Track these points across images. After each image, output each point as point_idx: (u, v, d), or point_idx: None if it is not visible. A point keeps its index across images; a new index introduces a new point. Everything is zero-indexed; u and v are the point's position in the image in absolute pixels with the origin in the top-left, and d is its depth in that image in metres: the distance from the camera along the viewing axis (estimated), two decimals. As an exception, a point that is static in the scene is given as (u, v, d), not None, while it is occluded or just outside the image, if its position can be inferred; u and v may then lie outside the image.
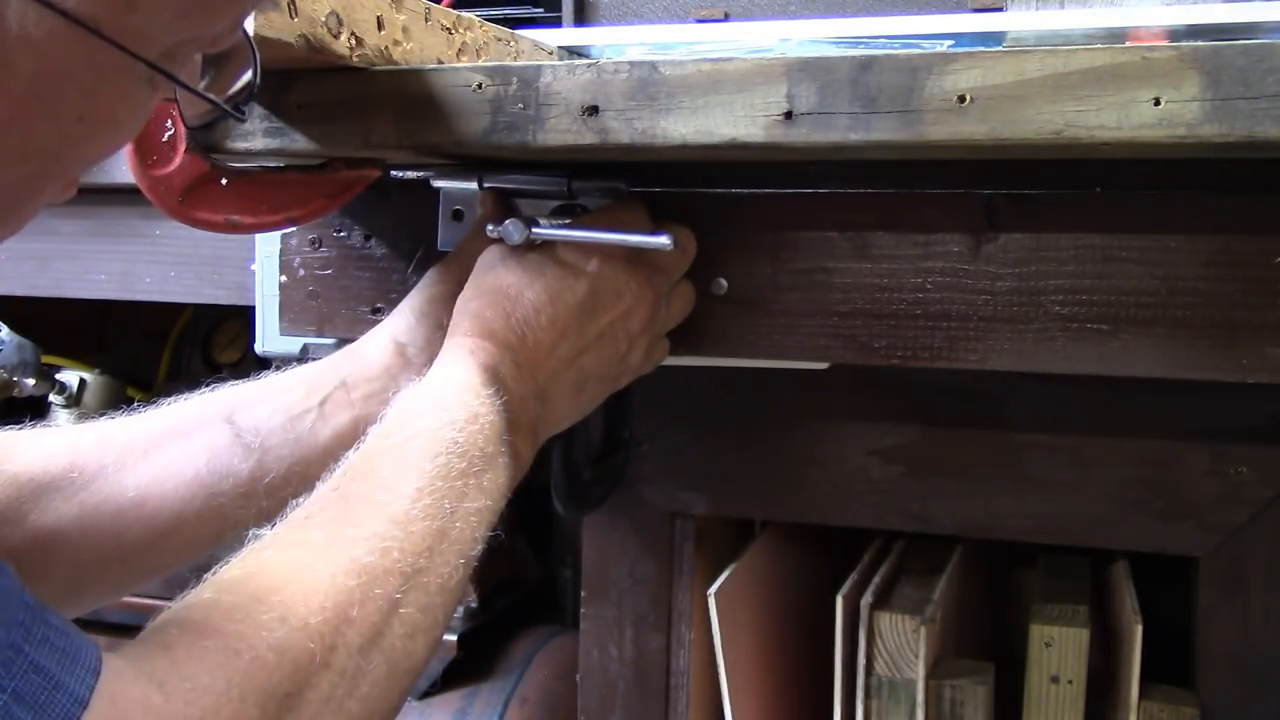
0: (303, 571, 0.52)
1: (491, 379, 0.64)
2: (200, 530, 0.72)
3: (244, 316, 1.06)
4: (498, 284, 0.69)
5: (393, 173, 0.79)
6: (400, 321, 0.77)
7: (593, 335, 0.69)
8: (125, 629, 1.27)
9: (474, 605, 1.22)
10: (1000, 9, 0.96)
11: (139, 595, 1.31)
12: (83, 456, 0.71)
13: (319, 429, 0.73)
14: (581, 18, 1.11)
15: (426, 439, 0.60)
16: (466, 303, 0.69)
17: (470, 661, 1.19)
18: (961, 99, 0.59)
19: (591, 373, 0.70)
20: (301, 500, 0.57)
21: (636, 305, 0.71)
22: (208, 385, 0.75)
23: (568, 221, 0.73)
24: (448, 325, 0.71)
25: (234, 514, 0.72)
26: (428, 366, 0.72)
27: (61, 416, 1.30)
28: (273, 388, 0.75)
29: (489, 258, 0.71)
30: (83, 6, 0.43)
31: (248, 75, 0.61)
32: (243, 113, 0.63)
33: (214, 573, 0.52)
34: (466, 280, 0.72)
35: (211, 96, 0.57)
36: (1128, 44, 0.67)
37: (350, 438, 0.71)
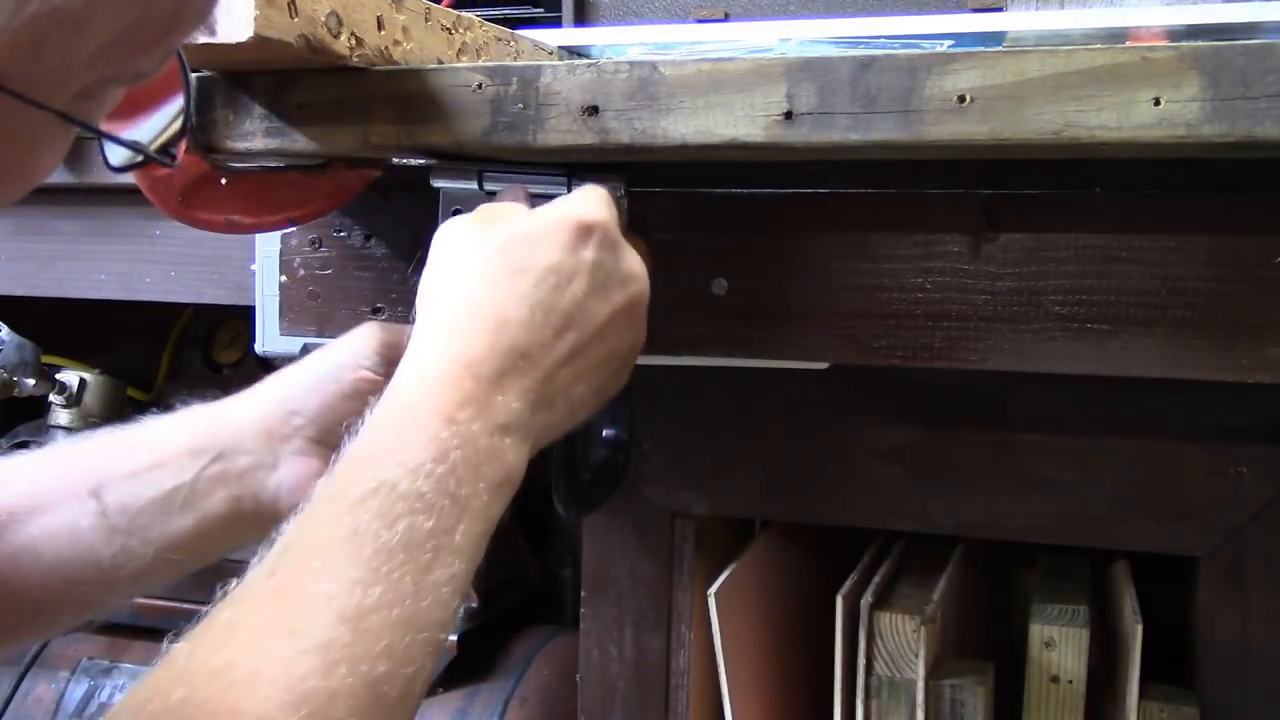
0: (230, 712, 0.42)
1: (468, 398, 0.53)
2: (62, 616, 0.67)
3: (244, 316, 1.06)
4: (470, 270, 0.58)
5: (393, 160, 0.78)
6: (297, 379, 0.70)
7: (601, 322, 0.59)
8: (119, 628, 1.28)
9: (474, 605, 1.22)
10: (1000, 9, 0.96)
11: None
12: None
13: (189, 511, 0.66)
14: (581, 18, 1.11)
15: (384, 498, 0.49)
16: (430, 298, 0.58)
17: (470, 661, 1.19)
18: (961, 99, 0.59)
19: (601, 364, 0.60)
20: (232, 583, 0.47)
21: (643, 287, 0.62)
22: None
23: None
24: (344, 394, 0.67)
25: (95, 602, 0.67)
26: (315, 434, 0.67)
27: (62, 416, 1.30)
28: (148, 455, 0.67)
29: (455, 235, 0.60)
30: None
31: (177, 122, 0.55)
32: (173, 157, 0.56)
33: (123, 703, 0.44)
34: (382, 359, 0.67)
35: (138, 143, 0.53)
36: (1128, 44, 0.67)
37: (225, 523, 0.67)
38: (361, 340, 0.69)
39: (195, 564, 0.68)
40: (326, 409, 0.68)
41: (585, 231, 0.59)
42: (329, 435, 0.67)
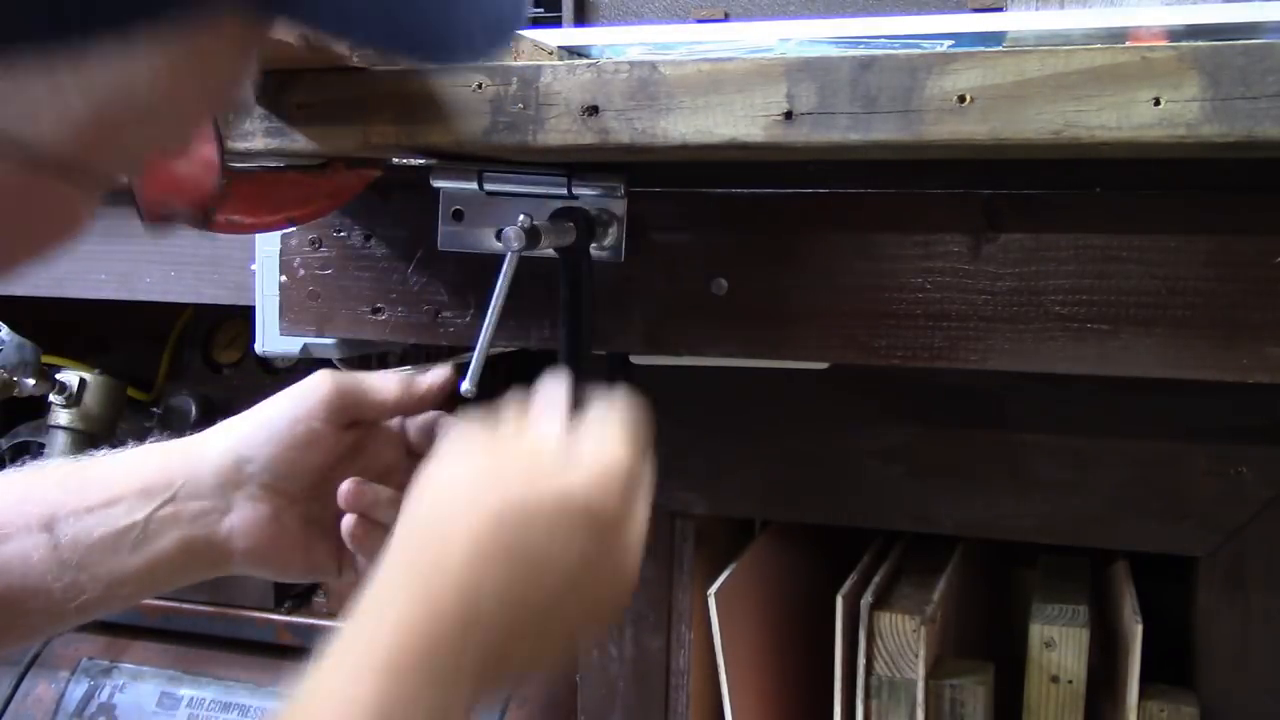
0: None
1: (418, 665, 0.50)
2: (4, 641, 0.68)
3: (244, 316, 1.06)
4: (460, 536, 0.53)
5: (393, 160, 0.78)
6: (248, 429, 0.70)
7: (571, 619, 0.56)
8: (120, 628, 1.28)
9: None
10: (1000, 9, 0.96)
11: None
12: None
13: (141, 549, 0.66)
14: (581, 18, 1.11)
15: None
16: (408, 541, 0.55)
17: (470, 661, 1.19)
18: (961, 99, 0.59)
19: (561, 649, 0.57)
20: None
21: (629, 589, 0.58)
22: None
23: None
24: (293, 446, 0.67)
25: (41, 629, 0.68)
26: (267, 480, 0.68)
27: (62, 416, 1.30)
28: (101, 492, 0.67)
29: (458, 472, 0.57)
30: (60, 149, 0.37)
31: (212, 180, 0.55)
32: (210, 217, 0.56)
33: None
34: (331, 410, 0.67)
35: (183, 211, 0.54)
36: (1128, 44, 0.67)
37: (177, 562, 0.68)
38: (312, 391, 0.70)
39: (146, 596, 0.70)
40: (276, 459, 0.69)
41: (583, 522, 0.55)
42: (281, 482, 0.69)
